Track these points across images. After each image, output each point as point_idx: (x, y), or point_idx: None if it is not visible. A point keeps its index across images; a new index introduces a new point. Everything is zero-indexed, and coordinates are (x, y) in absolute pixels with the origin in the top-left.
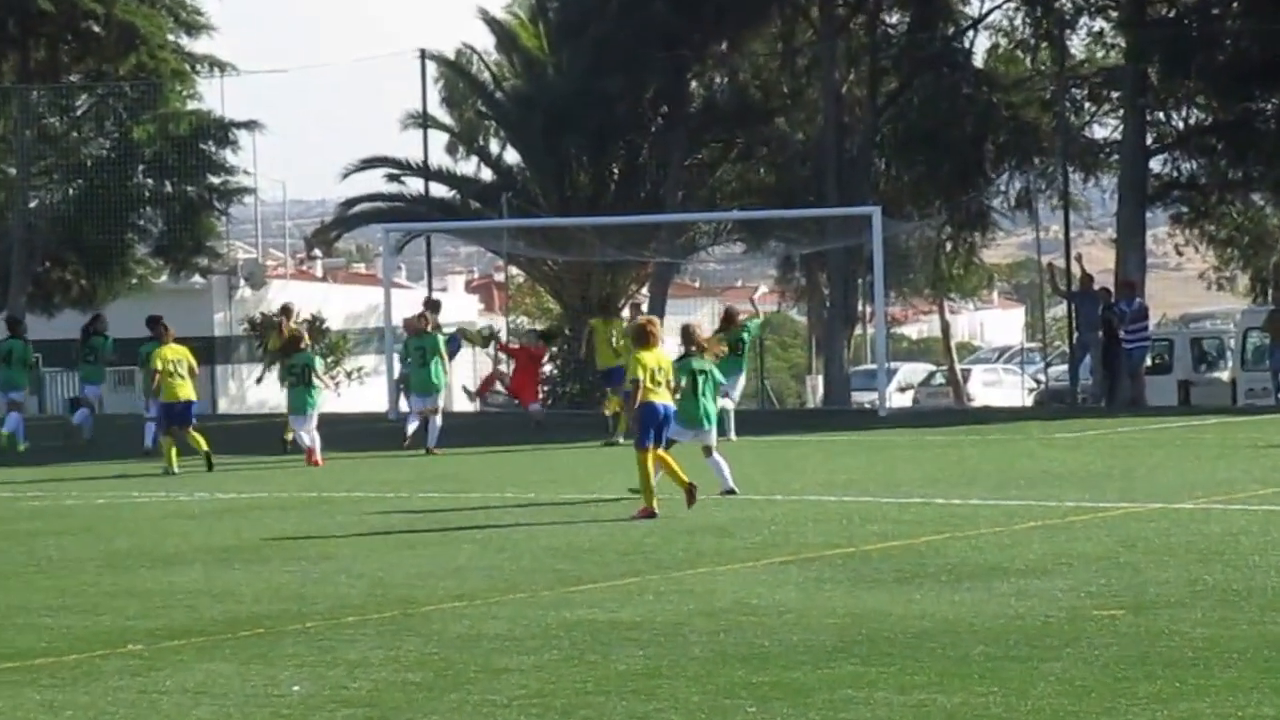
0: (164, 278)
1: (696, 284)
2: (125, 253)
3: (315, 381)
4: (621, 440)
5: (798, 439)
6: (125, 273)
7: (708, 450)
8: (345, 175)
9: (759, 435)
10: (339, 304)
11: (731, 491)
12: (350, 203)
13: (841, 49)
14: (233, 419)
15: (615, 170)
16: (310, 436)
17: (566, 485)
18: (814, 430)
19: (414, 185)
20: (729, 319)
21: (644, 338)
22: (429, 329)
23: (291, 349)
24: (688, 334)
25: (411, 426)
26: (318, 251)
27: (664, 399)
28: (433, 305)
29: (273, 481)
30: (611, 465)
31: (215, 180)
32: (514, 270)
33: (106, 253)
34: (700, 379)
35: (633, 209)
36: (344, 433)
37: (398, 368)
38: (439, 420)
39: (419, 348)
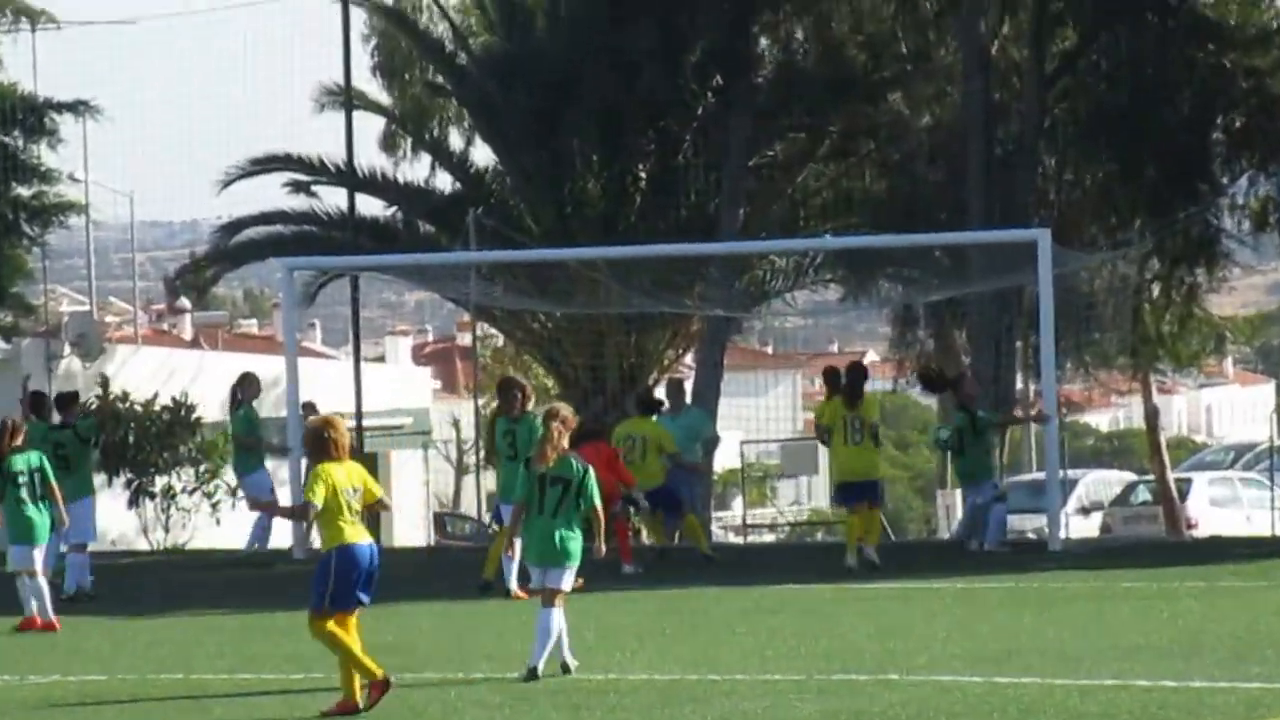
0: None
1: (769, 348)
2: None
3: (40, 494)
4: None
5: (924, 586)
6: None
7: (548, 599)
8: (227, 183)
9: (862, 581)
10: (217, 380)
11: (567, 670)
12: (234, 226)
13: None
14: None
15: (642, 174)
16: (34, 586)
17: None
18: (949, 572)
19: (333, 198)
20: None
21: (321, 446)
22: (525, 406)
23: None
24: (553, 417)
25: (514, 563)
26: (185, 301)
27: (361, 537)
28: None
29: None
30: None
31: (23, 192)
32: (487, 329)
33: None
34: (550, 490)
35: (669, 235)
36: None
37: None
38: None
39: (507, 432)
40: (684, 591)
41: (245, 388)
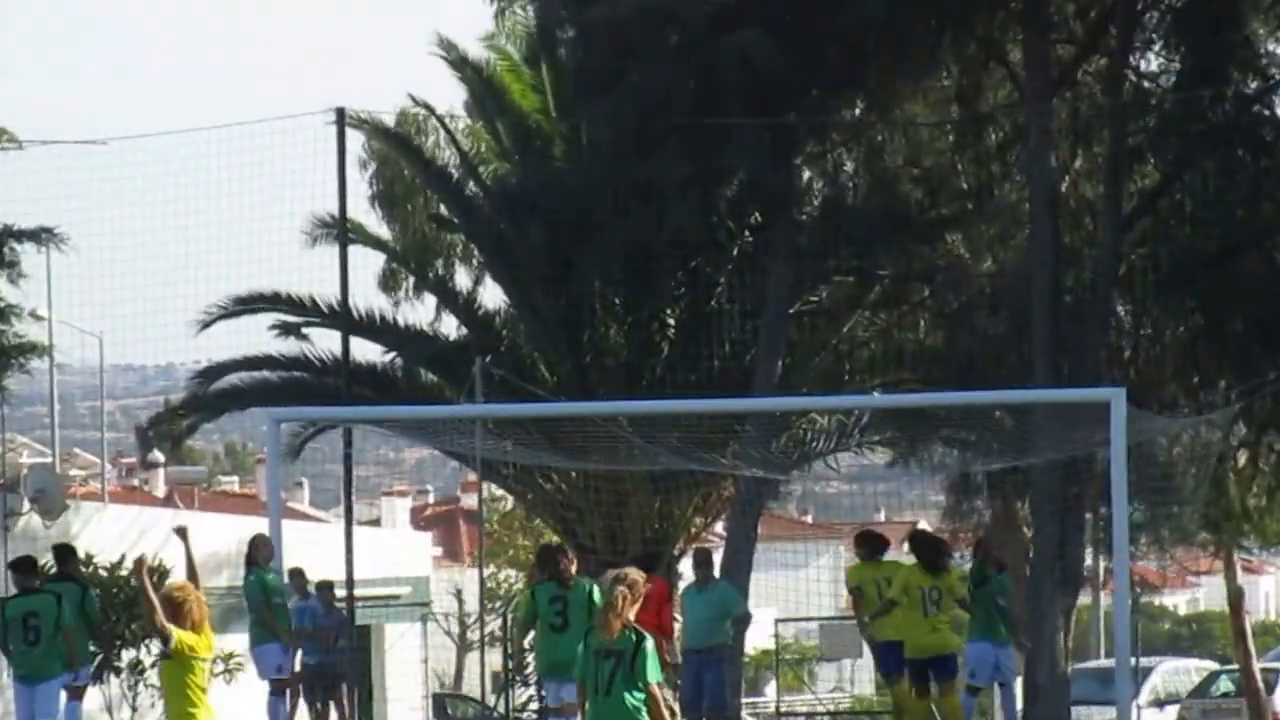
0: None
1: (808, 517)
2: None
3: None
4: None
5: None
6: None
7: None
8: (206, 324)
9: None
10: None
11: None
12: (214, 371)
13: (1062, 114)
14: None
15: (670, 321)
16: None
17: None
18: None
19: (325, 342)
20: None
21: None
22: (569, 572)
23: None
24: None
25: None
26: (158, 454)
27: None
28: (258, 543)
29: None
30: None
31: None
32: (495, 490)
33: None
34: (602, 665)
35: (700, 388)
36: None
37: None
38: None
39: (556, 599)
40: None
41: (255, 550)
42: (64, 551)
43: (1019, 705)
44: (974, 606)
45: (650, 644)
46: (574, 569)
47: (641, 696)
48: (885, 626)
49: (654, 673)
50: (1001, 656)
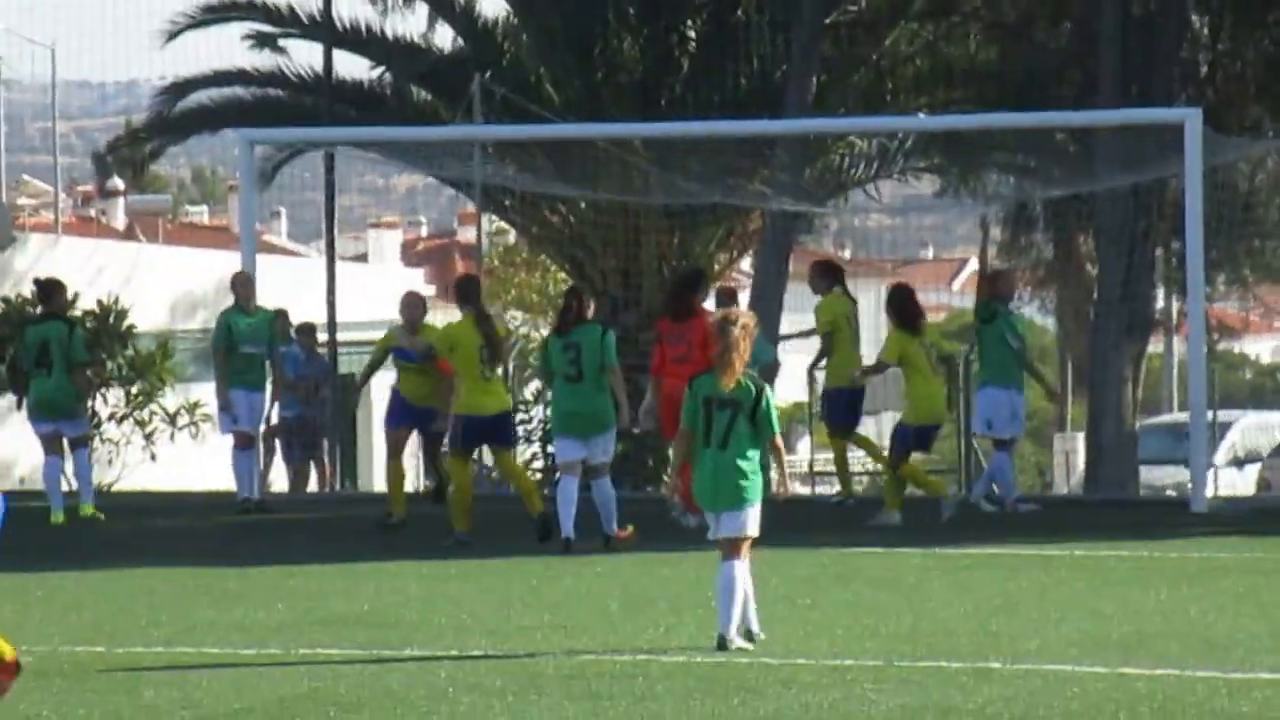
0: None
1: (846, 252)
2: None
3: None
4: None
5: (1035, 552)
6: None
7: (729, 550)
8: (172, 35)
9: (959, 544)
10: (159, 280)
11: (750, 639)
12: (181, 88)
13: None
14: None
15: (691, 33)
16: None
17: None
18: (1067, 537)
19: (303, 55)
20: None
21: None
22: (584, 313)
23: None
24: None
25: (568, 513)
26: (118, 181)
27: None
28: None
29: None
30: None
31: None
32: (496, 222)
33: None
34: (718, 416)
35: (724, 109)
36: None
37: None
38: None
39: (568, 347)
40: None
41: (233, 288)
42: (49, 287)
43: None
44: (981, 347)
45: (771, 394)
46: (590, 312)
47: (756, 454)
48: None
49: (775, 424)
50: (1017, 404)
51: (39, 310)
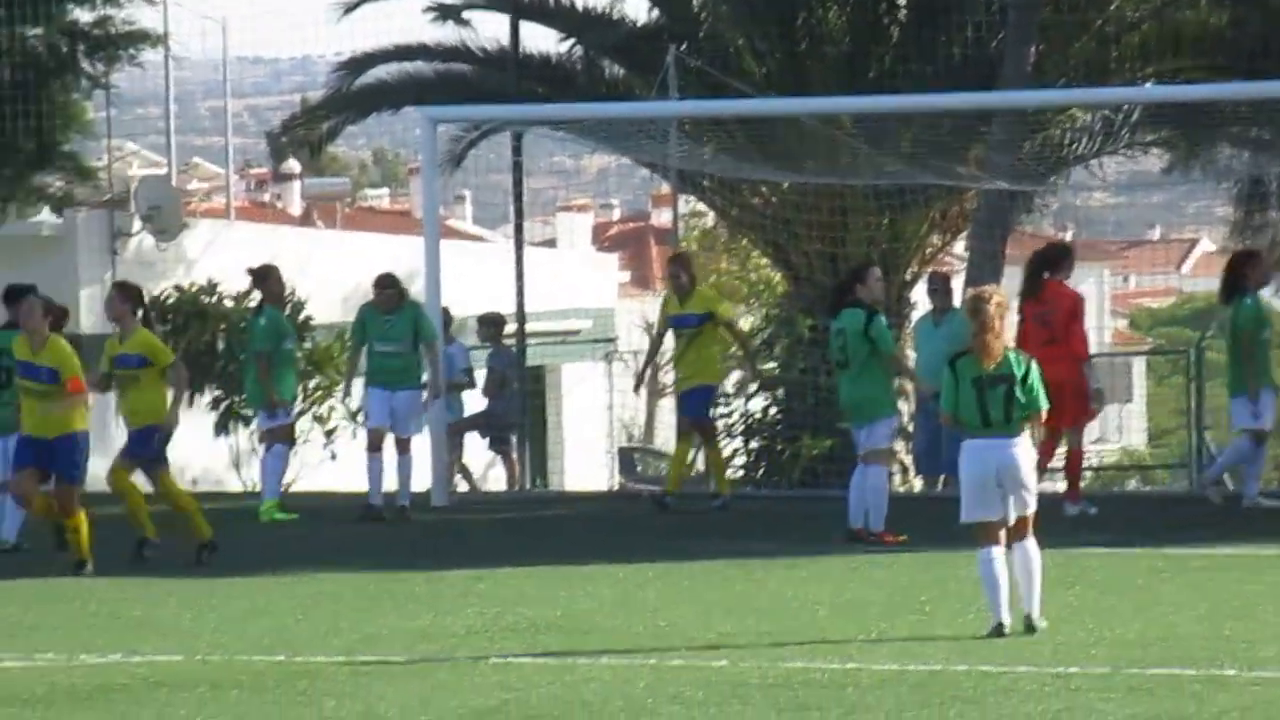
0: None
1: (1067, 234)
2: None
3: None
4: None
5: (1277, 553)
6: None
7: (1016, 531)
8: (349, 8)
9: (1192, 544)
10: (337, 269)
11: (1028, 626)
12: (359, 63)
13: None
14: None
15: (899, 0)
16: None
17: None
18: None
19: (488, 28)
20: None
21: None
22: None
23: None
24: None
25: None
26: (294, 164)
27: None
28: (261, 274)
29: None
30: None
31: (82, 16)
32: (693, 204)
33: None
34: (991, 394)
35: (936, 82)
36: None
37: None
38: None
39: (839, 332)
40: (945, 554)
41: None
42: (260, 273)
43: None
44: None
45: (1037, 369)
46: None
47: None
48: None
49: (1043, 398)
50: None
51: (256, 298)
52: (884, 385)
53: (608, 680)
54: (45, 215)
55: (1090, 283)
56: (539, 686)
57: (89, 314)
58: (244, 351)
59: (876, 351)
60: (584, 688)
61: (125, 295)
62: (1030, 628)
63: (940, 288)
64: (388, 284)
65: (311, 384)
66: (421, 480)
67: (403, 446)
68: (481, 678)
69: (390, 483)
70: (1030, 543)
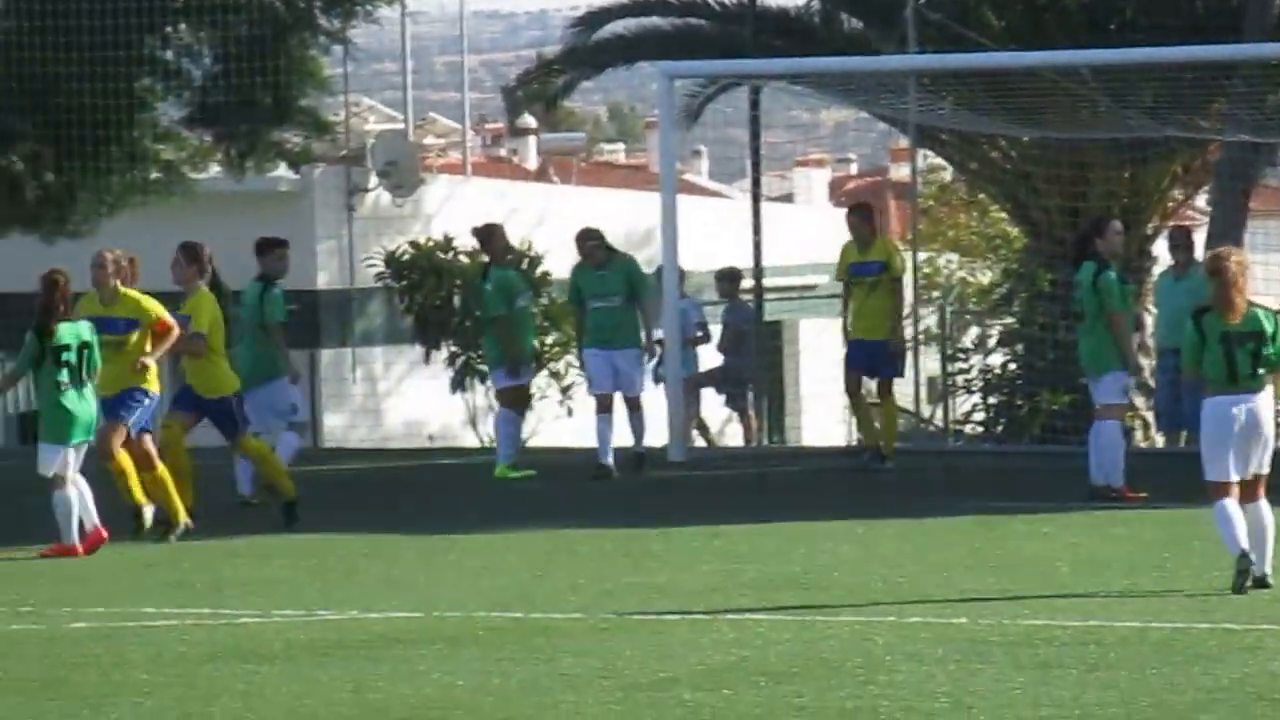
0: (213, 171)
1: None
2: (131, 124)
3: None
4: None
5: None
6: (135, 160)
7: (1248, 492)
8: None
9: None
10: (571, 224)
11: (1263, 581)
12: (595, 18)
13: None
14: (362, 455)
15: None
16: (70, 498)
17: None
18: None
19: None
20: None
21: None
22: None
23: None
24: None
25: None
26: (529, 119)
27: None
28: (485, 234)
29: (448, 583)
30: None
31: None
32: (931, 158)
33: (99, 121)
34: (1240, 353)
35: (1179, 34)
36: (582, 492)
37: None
38: None
39: (1078, 284)
40: (1186, 511)
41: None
42: (484, 232)
43: None
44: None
45: None
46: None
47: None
48: None
49: None
50: None
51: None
52: (1112, 339)
53: (845, 637)
54: (283, 171)
55: None
56: (776, 643)
57: (325, 270)
58: (479, 309)
59: (1106, 310)
60: (822, 644)
61: (190, 256)
62: (1263, 584)
63: (1181, 243)
64: (590, 237)
65: (549, 340)
66: (658, 435)
67: (633, 404)
68: (718, 634)
69: (623, 438)
70: (1264, 504)
